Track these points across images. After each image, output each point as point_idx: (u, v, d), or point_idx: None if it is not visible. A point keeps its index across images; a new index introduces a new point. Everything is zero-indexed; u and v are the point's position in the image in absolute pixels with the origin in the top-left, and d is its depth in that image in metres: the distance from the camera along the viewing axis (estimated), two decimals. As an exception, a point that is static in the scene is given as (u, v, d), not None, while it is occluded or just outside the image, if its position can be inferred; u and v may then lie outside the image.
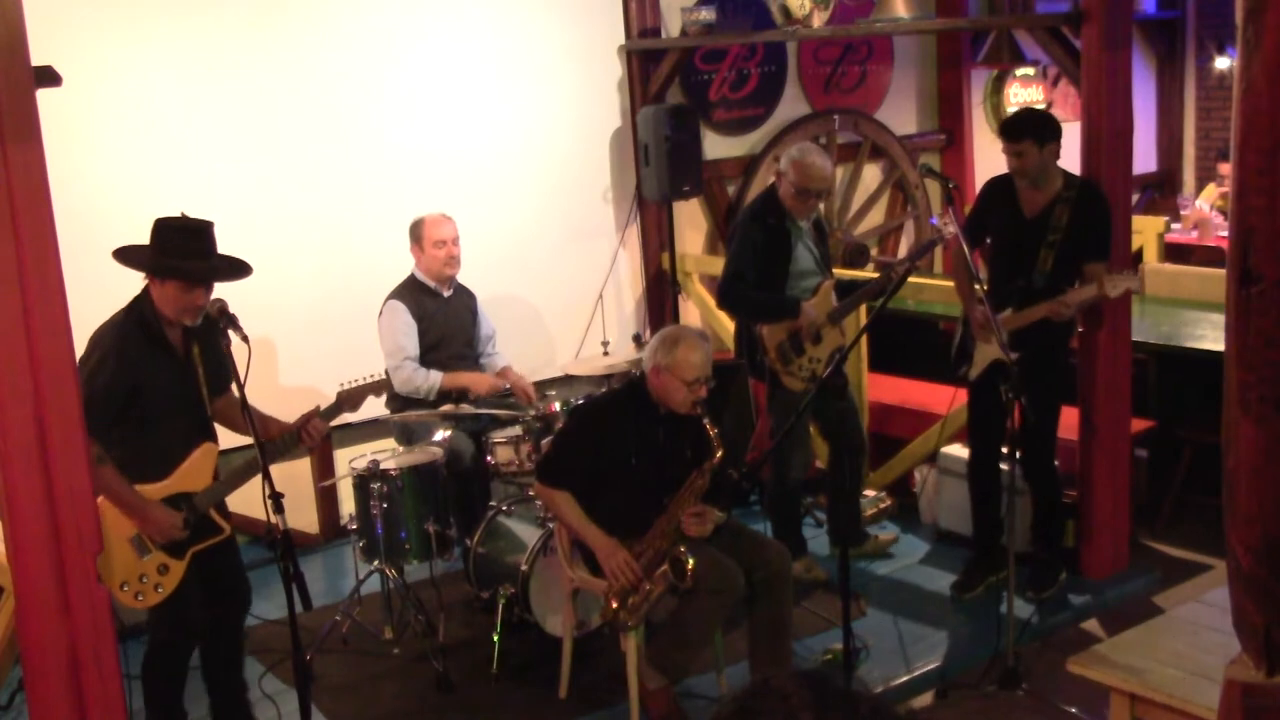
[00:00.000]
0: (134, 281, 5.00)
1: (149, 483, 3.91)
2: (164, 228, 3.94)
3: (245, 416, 3.75)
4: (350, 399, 4.27)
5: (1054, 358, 4.99)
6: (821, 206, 7.29)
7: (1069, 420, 5.32)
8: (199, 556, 4.01)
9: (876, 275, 5.62)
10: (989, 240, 5.14)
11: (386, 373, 5.45)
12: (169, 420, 3.93)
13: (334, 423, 4.32)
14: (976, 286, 4.78)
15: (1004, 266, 5.04)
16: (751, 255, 5.18)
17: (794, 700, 1.37)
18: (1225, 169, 8.10)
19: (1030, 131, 4.83)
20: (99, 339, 3.91)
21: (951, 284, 5.39)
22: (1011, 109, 8.49)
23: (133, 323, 3.91)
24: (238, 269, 4.04)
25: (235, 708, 4.38)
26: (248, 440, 3.89)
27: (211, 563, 4.07)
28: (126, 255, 3.93)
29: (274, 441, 4.09)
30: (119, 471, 3.85)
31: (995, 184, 5.13)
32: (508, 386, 5.57)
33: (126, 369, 3.83)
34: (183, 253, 3.89)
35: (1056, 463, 5.42)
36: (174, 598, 3.97)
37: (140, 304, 3.94)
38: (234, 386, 3.78)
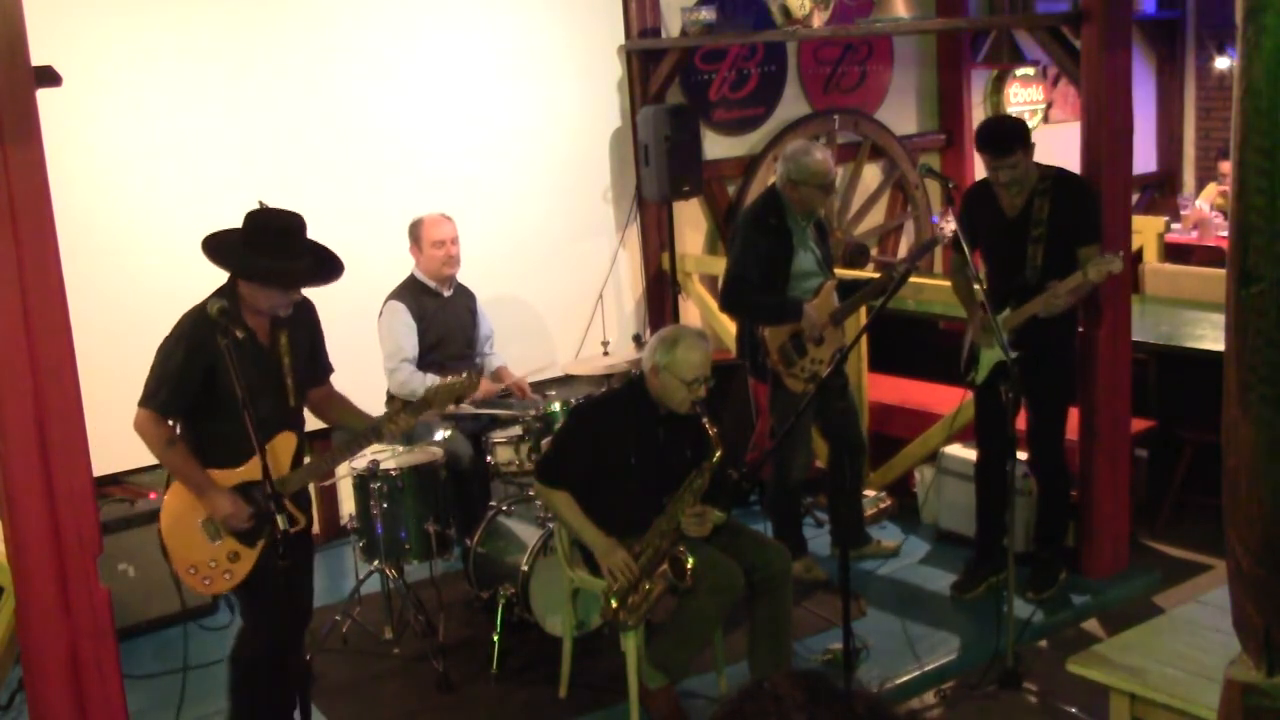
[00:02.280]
0: (134, 282, 5.00)
1: (226, 469, 3.85)
2: (255, 224, 3.83)
3: (246, 417, 3.67)
4: (438, 397, 4.15)
5: (1057, 355, 4.98)
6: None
7: (1069, 420, 5.32)
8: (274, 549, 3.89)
9: (878, 275, 5.63)
10: (979, 246, 5.15)
11: (385, 372, 5.46)
12: (251, 409, 3.72)
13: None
14: (976, 287, 4.78)
15: (997, 269, 5.04)
16: (753, 256, 5.18)
17: (788, 701, 1.37)
18: (1225, 167, 8.09)
19: (1018, 140, 4.84)
20: (180, 322, 3.84)
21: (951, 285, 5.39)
22: (1012, 109, 8.50)
23: (217, 309, 3.72)
24: (328, 270, 3.93)
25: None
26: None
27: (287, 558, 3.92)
28: (217, 248, 3.82)
29: (357, 435, 4.05)
30: (190, 454, 3.82)
31: (974, 191, 5.16)
32: (504, 389, 5.56)
33: (199, 353, 3.75)
34: (272, 252, 3.78)
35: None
36: (252, 591, 3.90)
37: (224, 290, 3.86)
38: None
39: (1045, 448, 5.12)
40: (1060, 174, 4.95)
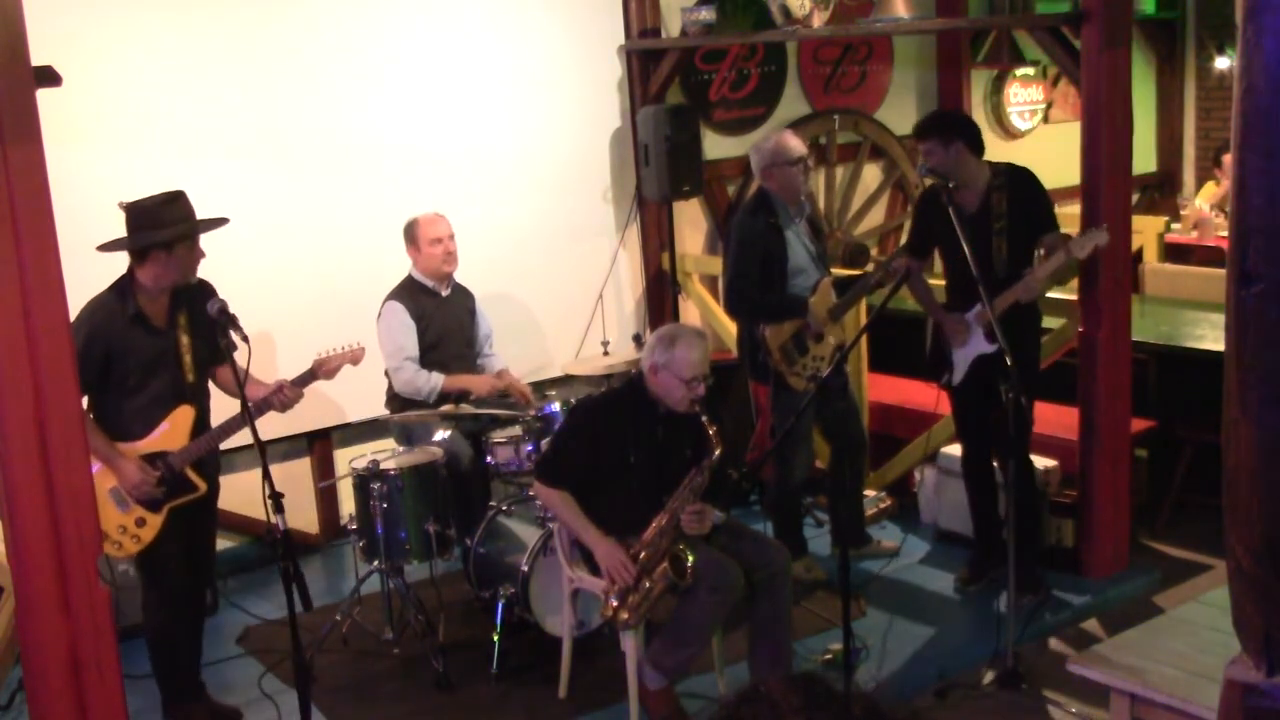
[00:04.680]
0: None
1: (130, 441, 4.20)
2: (136, 209, 4.20)
3: (246, 418, 3.87)
4: (324, 366, 4.50)
5: (1023, 352, 4.85)
6: (822, 205, 7.32)
7: (1069, 420, 5.32)
8: (179, 515, 4.28)
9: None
10: (938, 249, 5.16)
11: (386, 373, 5.46)
12: (148, 385, 4.22)
13: (313, 408, 4.48)
14: (939, 285, 4.81)
15: (964, 269, 4.80)
16: (750, 256, 5.17)
17: (784, 706, 1.37)
18: (1227, 159, 8.05)
19: (933, 129, 4.93)
20: (81, 311, 4.17)
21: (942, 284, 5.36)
22: (1012, 109, 8.53)
23: (112, 297, 4.22)
24: (213, 222, 4.31)
25: (195, 683, 4.55)
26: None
27: (189, 523, 4.36)
28: (109, 245, 4.22)
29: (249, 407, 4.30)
30: (97, 428, 4.11)
31: (930, 193, 5.16)
32: (504, 390, 5.56)
33: (98, 338, 4.12)
34: (165, 220, 4.16)
35: (1053, 463, 5.43)
36: (154, 552, 4.27)
37: (121, 281, 4.25)
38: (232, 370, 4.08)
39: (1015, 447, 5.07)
40: (1010, 168, 5.02)
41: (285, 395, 4.39)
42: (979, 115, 8.32)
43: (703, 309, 6.91)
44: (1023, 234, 4.91)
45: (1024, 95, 8.61)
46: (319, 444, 6.13)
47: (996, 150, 8.04)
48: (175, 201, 4.22)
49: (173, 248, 4.15)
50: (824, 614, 5.03)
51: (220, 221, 4.33)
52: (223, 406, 4.45)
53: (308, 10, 5.88)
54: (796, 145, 5.23)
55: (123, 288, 4.23)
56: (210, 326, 4.30)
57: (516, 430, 5.21)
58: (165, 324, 4.27)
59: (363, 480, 4.91)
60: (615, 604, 4.13)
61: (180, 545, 4.34)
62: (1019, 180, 4.97)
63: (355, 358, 4.61)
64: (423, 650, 4.87)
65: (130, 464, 4.15)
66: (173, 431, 4.26)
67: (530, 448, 5.13)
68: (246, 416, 3.89)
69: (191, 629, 4.56)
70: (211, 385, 4.50)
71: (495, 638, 4.76)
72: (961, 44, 8.10)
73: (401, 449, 5.24)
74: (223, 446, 4.59)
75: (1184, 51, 9.49)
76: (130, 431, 4.21)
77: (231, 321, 3.96)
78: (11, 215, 3.22)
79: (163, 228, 4.15)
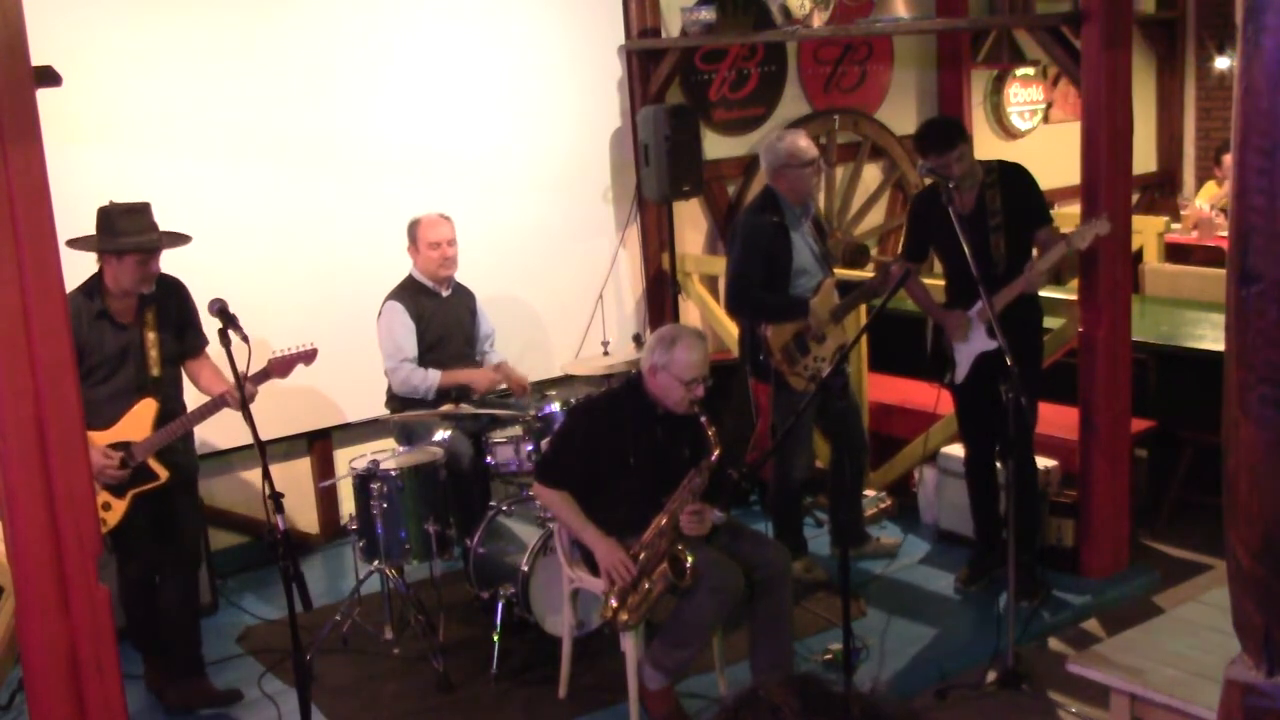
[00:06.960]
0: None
1: (96, 431, 4.29)
2: (105, 214, 4.39)
3: (246, 418, 3.91)
4: (279, 366, 4.59)
5: (1026, 352, 4.87)
6: (822, 205, 7.32)
7: (1069, 420, 5.32)
8: (145, 500, 4.45)
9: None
10: (936, 251, 5.16)
11: (386, 373, 5.46)
12: (113, 378, 4.41)
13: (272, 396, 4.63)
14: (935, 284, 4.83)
15: (963, 268, 4.76)
16: (755, 256, 5.17)
17: (784, 711, 1.36)
18: (1227, 160, 8.04)
19: (959, 133, 4.95)
20: None
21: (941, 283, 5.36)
22: (1012, 109, 8.53)
23: (81, 294, 4.38)
24: (175, 237, 4.50)
25: (190, 661, 4.64)
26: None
27: (160, 509, 4.52)
28: (78, 242, 4.37)
29: (209, 402, 4.49)
30: None
31: (923, 197, 5.17)
32: (503, 384, 5.57)
33: None
34: (125, 230, 4.35)
35: (1053, 463, 5.43)
36: (123, 534, 4.44)
37: (91, 280, 4.45)
38: (203, 353, 4.34)
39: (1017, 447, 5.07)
40: (1001, 165, 5.05)
41: (237, 393, 4.38)
42: (979, 115, 8.33)
43: (703, 309, 6.91)
44: (1019, 229, 4.94)
45: (1024, 95, 8.61)
46: (319, 444, 6.13)
47: (997, 150, 8.06)
48: (135, 213, 4.39)
49: (122, 255, 4.33)
50: (824, 614, 5.03)
51: (179, 239, 4.49)
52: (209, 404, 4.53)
53: (308, 10, 5.87)
54: (809, 147, 5.23)
55: (91, 285, 4.43)
56: (179, 323, 4.52)
57: (516, 430, 5.22)
58: (132, 320, 4.45)
59: (363, 480, 4.91)
60: (615, 604, 4.13)
61: (149, 529, 4.50)
62: (1011, 176, 5.00)
63: (308, 358, 4.66)
64: (423, 650, 4.87)
65: (95, 451, 4.23)
66: (134, 423, 4.41)
67: (530, 448, 5.13)
68: (246, 417, 3.92)
69: (185, 611, 4.65)
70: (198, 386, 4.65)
71: (495, 638, 4.76)
72: (961, 44, 8.10)
73: (401, 449, 5.24)
74: (223, 446, 4.64)
75: (1184, 51, 9.49)
76: (94, 422, 4.28)
77: (232, 321, 3.97)
78: (11, 215, 3.23)
79: (117, 236, 4.33)
